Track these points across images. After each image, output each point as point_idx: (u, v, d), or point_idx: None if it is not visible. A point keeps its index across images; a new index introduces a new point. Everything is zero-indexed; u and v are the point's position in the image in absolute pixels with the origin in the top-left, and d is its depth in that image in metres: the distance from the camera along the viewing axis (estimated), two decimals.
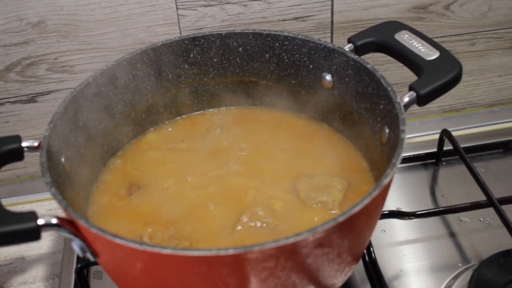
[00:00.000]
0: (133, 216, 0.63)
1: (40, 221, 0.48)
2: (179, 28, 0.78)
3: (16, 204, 0.83)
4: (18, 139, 0.58)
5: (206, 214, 0.62)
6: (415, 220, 0.74)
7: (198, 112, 0.77)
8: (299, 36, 0.69)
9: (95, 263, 0.63)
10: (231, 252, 0.44)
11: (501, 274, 0.62)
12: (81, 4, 0.74)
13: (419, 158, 0.84)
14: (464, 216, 0.74)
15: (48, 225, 0.49)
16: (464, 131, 0.89)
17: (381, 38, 0.66)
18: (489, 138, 0.86)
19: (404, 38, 0.65)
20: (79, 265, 0.68)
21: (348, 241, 0.52)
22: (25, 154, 0.58)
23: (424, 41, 0.64)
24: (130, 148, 0.72)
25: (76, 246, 0.52)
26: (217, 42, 0.72)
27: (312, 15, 0.80)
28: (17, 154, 0.58)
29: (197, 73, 0.74)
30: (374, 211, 0.55)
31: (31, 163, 0.85)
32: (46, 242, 0.77)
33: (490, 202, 0.70)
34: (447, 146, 0.81)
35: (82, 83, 0.64)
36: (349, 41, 0.67)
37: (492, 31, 0.86)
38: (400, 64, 0.64)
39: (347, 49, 0.66)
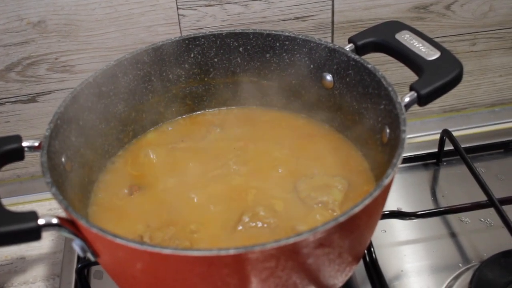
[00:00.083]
0: (133, 216, 0.63)
1: (41, 221, 0.48)
2: (180, 28, 0.78)
3: (17, 204, 0.83)
4: (18, 139, 0.58)
5: (206, 214, 0.62)
6: (415, 220, 0.73)
7: (198, 112, 0.77)
8: (300, 36, 0.69)
9: (96, 263, 0.63)
10: (231, 252, 0.44)
11: (501, 274, 0.62)
12: (82, 4, 0.74)
13: (420, 158, 0.84)
14: (465, 216, 0.74)
15: (48, 225, 0.49)
16: (465, 131, 0.89)
17: (382, 38, 0.66)
18: (490, 138, 0.86)
19: (405, 38, 0.65)
20: (79, 265, 0.68)
21: (348, 241, 0.52)
22: (26, 154, 0.58)
23: (424, 41, 0.64)
24: (130, 148, 0.72)
25: (76, 246, 0.52)
26: (218, 42, 0.72)
27: (313, 15, 0.80)
28: (18, 154, 0.58)
29: (197, 73, 0.74)
30: (375, 211, 0.55)
31: (32, 163, 0.85)
32: (47, 242, 0.77)
33: (491, 202, 0.70)
34: (448, 146, 0.81)
35: (83, 83, 0.64)
36: (349, 41, 0.67)
37: (493, 31, 0.86)
38: (401, 64, 0.64)
39: (347, 49, 0.66)
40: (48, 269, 0.73)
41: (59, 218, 0.50)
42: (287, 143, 0.70)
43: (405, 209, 0.74)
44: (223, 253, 0.44)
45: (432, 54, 0.62)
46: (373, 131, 0.64)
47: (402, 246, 0.72)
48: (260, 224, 0.59)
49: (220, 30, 0.71)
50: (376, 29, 0.67)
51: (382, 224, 0.73)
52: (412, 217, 0.72)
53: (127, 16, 0.76)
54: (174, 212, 0.63)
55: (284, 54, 0.71)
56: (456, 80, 0.60)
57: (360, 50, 0.66)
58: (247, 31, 0.71)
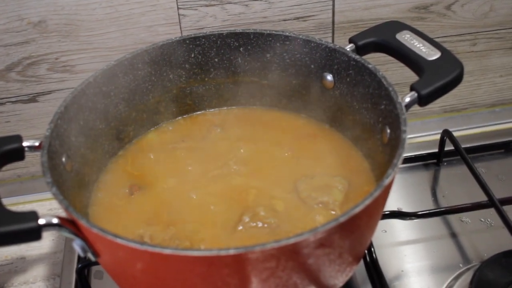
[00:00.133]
0: (134, 216, 0.63)
1: (41, 221, 0.48)
2: (180, 28, 0.78)
3: (17, 204, 0.83)
4: (19, 138, 0.58)
5: (207, 214, 0.62)
6: (416, 221, 0.73)
7: (199, 112, 0.77)
8: (300, 36, 0.69)
9: (96, 263, 0.63)
10: (232, 252, 0.44)
11: (502, 274, 0.62)
12: (82, 4, 0.74)
13: (420, 159, 0.84)
14: (465, 216, 0.74)
15: (49, 225, 0.49)
16: (465, 131, 0.89)
17: (382, 38, 0.66)
18: (490, 139, 0.86)
19: (406, 38, 0.65)
20: (80, 265, 0.68)
21: (349, 242, 0.52)
22: (26, 154, 0.58)
23: (425, 41, 0.64)
24: (131, 148, 0.72)
25: (77, 246, 0.52)
26: (218, 42, 0.72)
27: (313, 15, 0.80)
28: (18, 154, 0.58)
29: (198, 73, 0.74)
30: (375, 211, 0.55)
31: (32, 162, 0.85)
32: (47, 242, 0.77)
33: (491, 202, 0.70)
34: (448, 147, 0.81)
35: (83, 83, 0.64)
36: (350, 41, 0.67)
37: (493, 31, 0.86)
38: (401, 64, 0.64)
39: (348, 49, 0.66)
40: (49, 269, 0.73)
41: (59, 218, 0.50)
42: (287, 143, 0.70)
43: (406, 209, 0.74)
44: (223, 253, 0.44)
45: (432, 54, 0.62)
46: (373, 131, 0.64)
47: (402, 246, 0.72)
48: (260, 224, 0.59)
49: (221, 30, 0.71)
50: (377, 29, 0.67)
51: (383, 224, 0.73)
52: (413, 217, 0.72)
53: (128, 16, 0.76)
54: (174, 212, 0.63)
55: (285, 54, 0.71)
56: (456, 80, 0.60)
57: (361, 50, 0.66)
58: (247, 31, 0.71)
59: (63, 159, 0.59)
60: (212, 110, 0.77)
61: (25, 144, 0.58)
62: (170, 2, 0.75)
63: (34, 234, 0.48)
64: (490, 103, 0.94)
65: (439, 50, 0.62)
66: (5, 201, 0.51)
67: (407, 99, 0.58)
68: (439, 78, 0.59)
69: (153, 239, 0.59)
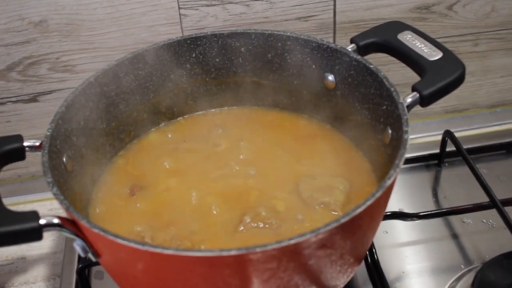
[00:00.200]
0: (134, 216, 0.63)
1: (42, 221, 0.48)
2: (181, 27, 0.78)
3: (17, 204, 0.83)
4: (20, 138, 0.58)
5: (208, 215, 0.62)
6: (417, 222, 0.73)
7: (200, 112, 0.77)
8: (302, 36, 0.69)
9: (97, 263, 0.63)
10: (233, 253, 0.44)
11: (504, 276, 0.62)
12: (83, 4, 0.73)
13: (422, 159, 0.83)
14: (467, 217, 0.74)
15: (50, 225, 0.49)
16: (467, 132, 0.89)
17: (384, 39, 0.66)
18: (491, 139, 0.85)
19: (407, 38, 0.65)
20: (80, 265, 0.67)
21: (351, 242, 0.52)
22: (27, 153, 0.58)
23: (427, 42, 0.63)
24: (132, 148, 0.72)
25: (77, 246, 0.52)
26: (219, 42, 0.71)
27: (315, 15, 0.80)
28: (19, 154, 0.58)
29: (199, 73, 0.73)
30: (377, 212, 0.55)
31: (32, 162, 0.85)
32: (47, 242, 0.76)
33: (493, 203, 0.70)
34: (450, 147, 0.81)
35: (84, 83, 0.64)
36: (351, 41, 0.66)
37: (495, 32, 0.86)
38: (403, 65, 0.64)
39: (349, 49, 0.65)
40: (49, 269, 0.73)
41: (60, 218, 0.50)
42: (288, 143, 0.70)
43: (407, 210, 0.74)
44: (224, 253, 0.44)
45: (434, 55, 0.62)
46: (375, 131, 0.64)
47: (403, 247, 0.72)
48: (261, 225, 0.59)
49: (222, 30, 0.71)
50: (378, 30, 0.67)
51: (384, 225, 0.73)
52: (414, 218, 0.72)
53: (129, 15, 0.75)
54: (175, 212, 0.63)
55: (286, 54, 0.71)
56: (458, 81, 0.60)
57: (362, 50, 0.66)
58: (248, 31, 0.71)
59: (64, 159, 0.59)
60: (213, 110, 0.77)
61: (26, 144, 0.58)
62: (171, 2, 0.75)
63: (35, 234, 0.48)
64: (491, 103, 0.94)
65: (441, 50, 0.62)
66: (6, 201, 0.51)
67: (409, 100, 0.58)
68: (441, 79, 0.59)
69: (154, 240, 0.59)
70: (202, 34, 0.71)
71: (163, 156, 0.70)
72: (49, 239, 0.77)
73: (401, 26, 0.66)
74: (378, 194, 0.49)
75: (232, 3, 0.77)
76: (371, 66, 0.62)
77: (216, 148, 0.71)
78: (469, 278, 0.64)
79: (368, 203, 0.48)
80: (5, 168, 0.58)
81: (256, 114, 0.76)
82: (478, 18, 0.84)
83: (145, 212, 0.63)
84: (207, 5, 0.77)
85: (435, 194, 0.79)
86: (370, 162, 0.67)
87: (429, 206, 0.77)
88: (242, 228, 0.59)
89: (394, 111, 0.58)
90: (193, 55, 0.72)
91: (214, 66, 0.73)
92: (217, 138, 0.72)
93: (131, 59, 0.68)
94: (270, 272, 0.48)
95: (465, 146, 0.78)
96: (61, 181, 0.56)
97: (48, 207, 0.82)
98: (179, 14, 0.77)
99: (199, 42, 0.71)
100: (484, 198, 0.71)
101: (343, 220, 0.46)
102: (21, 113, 0.81)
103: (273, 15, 0.79)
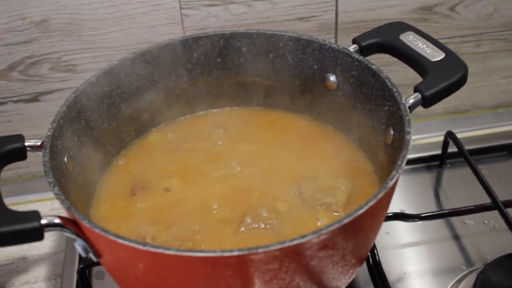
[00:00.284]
0: (135, 216, 0.63)
1: (43, 221, 0.48)
2: (183, 27, 0.78)
3: (18, 204, 0.83)
4: (21, 138, 0.58)
5: (209, 215, 0.62)
6: (419, 223, 0.73)
7: (201, 112, 0.77)
8: (304, 37, 0.69)
9: (97, 263, 0.63)
10: (235, 253, 0.44)
11: (505, 277, 0.62)
12: (84, 3, 0.73)
13: (423, 160, 0.83)
14: (469, 218, 0.74)
15: (51, 225, 0.49)
16: (469, 133, 0.89)
17: (386, 39, 0.66)
18: (493, 141, 0.85)
19: (409, 39, 0.64)
20: (81, 265, 0.67)
21: (352, 243, 0.51)
22: (28, 153, 0.58)
23: (429, 42, 0.63)
24: (133, 148, 0.72)
25: (78, 246, 0.52)
26: (221, 42, 0.71)
27: (317, 16, 0.79)
28: (20, 154, 0.58)
29: (200, 73, 0.73)
30: (379, 213, 0.55)
31: (33, 162, 0.85)
32: (48, 242, 0.76)
33: (494, 204, 0.70)
34: (452, 148, 0.80)
35: (85, 83, 0.64)
36: (353, 41, 0.66)
37: (497, 33, 0.85)
38: (405, 65, 0.64)
39: (351, 50, 0.65)
40: (50, 269, 0.73)
41: (61, 218, 0.50)
42: (290, 144, 0.70)
43: (409, 211, 0.73)
44: (226, 254, 0.44)
45: (436, 55, 0.62)
46: (377, 132, 0.64)
47: (405, 248, 0.71)
48: (262, 226, 0.59)
49: (223, 30, 0.71)
50: (381, 30, 0.67)
51: (385, 226, 0.73)
52: (416, 219, 0.72)
53: (130, 15, 0.75)
54: (176, 212, 0.63)
55: (288, 55, 0.71)
56: (461, 82, 0.60)
57: (364, 51, 0.66)
58: (250, 31, 0.71)
59: (65, 159, 0.59)
60: (215, 110, 0.77)
61: (27, 143, 0.58)
62: (172, 1, 0.75)
63: (36, 234, 0.48)
64: (493, 104, 0.93)
65: (443, 51, 0.62)
66: (6, 201, 0.51)
67: (411, 100, 0.58)
68: (443, 80, 0.59)
69: (155, 240, 0.58)
70: (203, 34, 0.71)
71: (164, 156, 0.70)
72: (49, 239, 0.77)
73: (403, 27, 0.66)
74: (380, 195, 0.48)
75: (234, 3, 0.77)
76: (373, 67, 0.62)
77: (217, 148, 0.71)
78: (470, 280, 0.64)
79: (370, 204, 0.48)
80: (6, 168, 0.58)
81: (258, 114, 0.76)
82: (480, 19, 0.84)
83: (146, 212, 0.63)
84: (209, 5, 0.76)
85: (436, 195, 0.79)
86: (371, 162, 0.67)
87: (430, 207, 0.76)
88: (243, 228, 0.59)
89: (396, 112, 0.58)
90: (195, 55, 0.72)
91: (216, 66, 0.73)
92: (218, 138, 0.72)
93: (133, 59, 0.68)
94: (272, 273, 0.47)
95: (467, 147, 0.78)
96: (62, 181, 0.56)
97: (49, 207, 0.82)
98: (181, 14, 0.77)
99: (200, 42, 0.71)
100: (486, 199, 0.71)
101: (345, 221, 0.46)
102: (22, 113, 0.81)
103: (274, 15, 0.79)
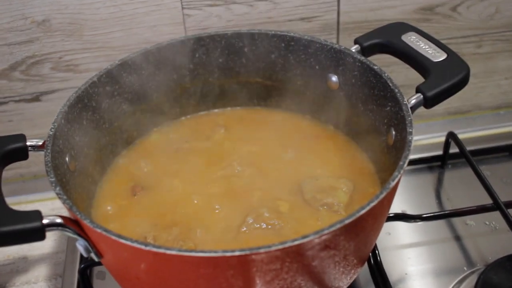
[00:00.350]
0: (137, 216, 0.63)
1: (45, 221, 0.48)
2: (185, 28, 0.78)
3: (19, 204, 0.83)
4: (22, 138, 0.58)
5: (210, 215, 0.62)
6: (420, 223, 0.73)
7: (202, 113, 0.77)
8: (305, 37, 0.69)
9: (99, 263, 0.63)
10: (237, 253, 0.44)
11: (507, 278, 0.62)
12: (86, 3, 0.73)
13: (425, 161, 0.83)
14: (470, 219, 0.74)
15: (52, 225, 0.49)
16: (470, 133, 0.89)
17: (388, 39, 0.66)
18: (495, 141, 0.85)
19: (411, 39, 0.64)
20: (82, 265, 0.67)
21: (354, 244, 0.51)
22: (29, 153, 0.58)
23: (431, 43, 0.63)
24: (134, 148, 0.72)
25: (80, 246, 0.52)
26: (223, 42, 0.71)
27: (319, 16, 0.79)
28: (22, 153, 0.58)
29: (202, 73, 0.73)
30: (380, 213, 0.54)
31: (35, 162, 0.85)
32: (49, 242, 0.76)
33: (496, 205, 0.70)
34: (453, 149, 0.80)
35: (87, 82, 0.64)
36: (355, 42, 0.66)
37: (499, 33, 0.85)
38: (406, 66, 0.64)
39: (353, 50, 0.65)
40: (51, 269, 0.73)
41: (63, 217, 0.50)
42: (292, 144, 0.70)
43: (410, 211, 0.73)
44: (228, 254, 0.44)
45: (438, 56, 0.62)
46: (378, 133, 0.64)
47: (406, 249, 0.71)
48: (264, 226, 0.59)
49: (225, 31, 0.71)
50: (382, 30, 0.67)
51: (387, 226, 0.73)
52: (417, 220, 0.71)
53: (132, 15, 0.75)
54: (177, 212, 0.63)
55: (289, 55, 0.71)
56: (462, 82, 0.60)
57: (366, 51, 0.66)
58: (252, 31, 0.71)
59: (67, 159, 0.59)
60: (216, 110, 0.77)
61: (28, 143, 0.58)
62: (174, 1, 0.75)
63: (38, 234, 0.48)
64: (495, 105, 0.93)
65: (445, 51, 0.62)
66: (8, 201, 0.51)
67: (413, 101, 0.58)
68: (445, 80, 0.59)
69: (157, 240, 0.58)
70: (205, 34, 0.71)
71: (165, 156, 0.70)
72: (51, 239, 0.77)
73: (405, 27, 0.66)
74: (382, 196, 0.48)
75: (236, 3, 0.77)
76: (375, 67, 0.62)
77: (219, 149, 0.71)
78: (472, 280, 0.64)
79: (372, 204, 0.48)
80: (7, 167, 0.58)
81: (259, 114, 0.76)
82: (482, 20, 0.83)
83: (147, 212, 0.63)
84: (211, 5, 0.76)
85: (438, 196, 0.79)
86: (373, 163, 0.67)
87: (432, 207, 0.76)
88: (244, 229, 0.59)
89: (398, 113, 0.58)
90: (196, 55, 0.72)
91: (217, 66, 0.73)
92: (220, 139, 0.72)
93: (134, 59, 0.68)
94: (273, 273, 0.47)
95: (468, 148, 0.78)
96: (64, 180, 0.56)
97: (50, 207, 0.82)
98: (183, 14, 0.77)
99: (202, 43, 0.71)
100: (487, 200, 0.71)
101: (347, 221, 0.46)
102: (23, 113, 0.81)
103: (276, 16, 0.79)
